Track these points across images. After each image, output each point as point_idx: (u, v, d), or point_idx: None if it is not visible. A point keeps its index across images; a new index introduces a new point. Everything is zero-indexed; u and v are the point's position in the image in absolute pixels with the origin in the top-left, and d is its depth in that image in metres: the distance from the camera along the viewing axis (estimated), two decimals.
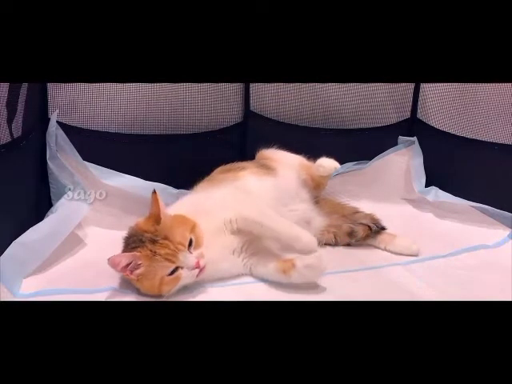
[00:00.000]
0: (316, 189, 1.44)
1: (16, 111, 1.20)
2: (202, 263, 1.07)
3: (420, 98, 1.79)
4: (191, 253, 1.07)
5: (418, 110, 1.80)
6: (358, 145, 1.76)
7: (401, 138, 1.76)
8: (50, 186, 1.40)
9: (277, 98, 1.69)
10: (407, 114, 1.81)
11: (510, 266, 1.27)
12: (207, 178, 1.39)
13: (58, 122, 1.39)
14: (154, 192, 1.10)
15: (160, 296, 1.06)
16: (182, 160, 1.57)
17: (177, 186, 1.48)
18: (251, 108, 1.66)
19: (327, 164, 1.40)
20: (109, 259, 1.03)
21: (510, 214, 1.49)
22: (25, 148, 1.25)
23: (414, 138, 1.75)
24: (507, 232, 1.46)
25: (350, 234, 1.37)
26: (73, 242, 1.29)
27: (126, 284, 1.12)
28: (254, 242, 1.19)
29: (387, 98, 1.78)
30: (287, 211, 1.32)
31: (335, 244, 1.36)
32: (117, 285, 1.13)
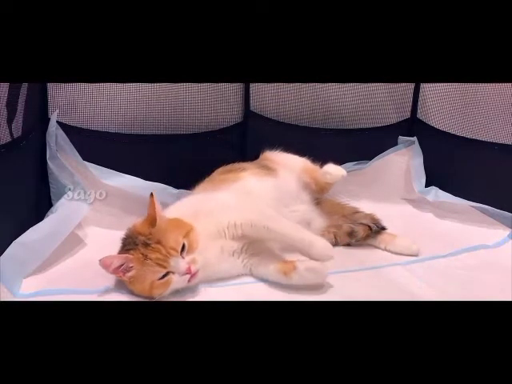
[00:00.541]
0: (319, 192, 1.44)
1: (16, 111, 1.20)
2: (193, 269, 1.06)
3: (420, 98, 1.79)
4: (183, 258, 1.06)
5: (418, 110, 1.80)
6: (358, 145, 1.76)
7: (401, 138, 1.76)
8: (50, 186, 1.40)
9: (277, 98, 1.69)
10: (407, 114, 1.81)
11: (509, 266, 1.27)
12: (208, 179, 1.39)
13: (58, 121, 1.39)
14: (152, 194, 1.10)
15: (152, 298, 1.06)
16: (182, 160, 1.57)
17: (177, 186, 1.48)
18: (251, 108, 1.66)
19: (334, 171, 1.39)
20: (100, 260, 1.03)
21: (509, 214, 1.49)
22: (25, 148, 1.25)
23: (414, 138, 1.75)
24: (507, 232, 1.46)
25: (350, 234, 1.37)
26: (73, 242, 1.29)
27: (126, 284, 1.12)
28: (254, 243, 1.18)
29: (387, 98, 1.78)
30: (288, 212, 1.33)
31: (335, 244, 1.36)
32: (117, 285, 1.13)
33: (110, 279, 1.14)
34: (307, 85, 1.69)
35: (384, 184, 1.72)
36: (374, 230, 1.37)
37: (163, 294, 1.06)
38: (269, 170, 1.40)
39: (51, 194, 1.40)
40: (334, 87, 1.71)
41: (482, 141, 1.62)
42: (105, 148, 1.49)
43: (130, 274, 1.05)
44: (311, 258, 1.13)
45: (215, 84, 1.60)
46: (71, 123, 1.46)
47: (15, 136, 1.20)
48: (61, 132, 1.38)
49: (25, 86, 1.24)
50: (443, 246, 1.39)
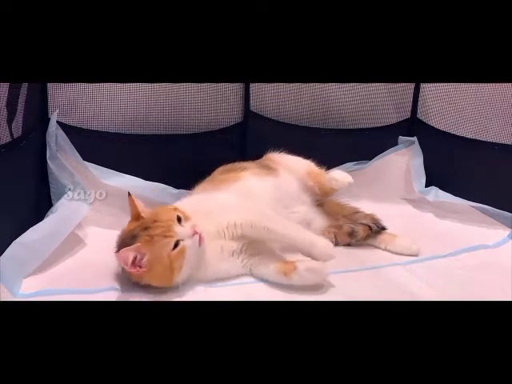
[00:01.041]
0: (322, 196, 1.43)
1: (16, 111, 1.20)
2: (198, 229, 1.09)
3: (420, 98, 1.79)
4: (184, 226, 1.09)
5: (418, 110, 1.80)
6: (358, 145, 1.76)
7: (401, 137, 1.76)
8: (50, 186, 1.40)
9: (277, 98, 1.69)
10: (407, 114, 1.81)
11: (510, 266, 1.27)
12: (208, 179, 1.39)
13: (58, 121, 1.39)
14: (129, 195, 1.13)
15: (174, 279, 1.07)
16: (182, 160, 1.57)
17: (177, 186, 1.48)
18: (251, 108, 1.66)
19: (341, 178, 1.38)
20: (117, 256, 1.04)
21: (510, 214, 1.49)
22: (25, 148, 1.25)
23: (414, 138, 1.75)
24: (507, 232, 1.46)
25: (351, 234, 1.37)
26: (73, 242, 1.29)
27: (126, 284, 1.12)
28: (253, 243, 1.18)
29: (387, 98, 1.78)
30: (288, 213, 1.33)
31: (335, 244, 1.35)
32: (117, 285, 1.13)
33: (110, 279, 1.15)
34: (307, 85, 1.69)
35: (384, 184, 1.72)
36: (374, 230, 1.37)
37: (183, 266, 1.06)
38: (269, 169, 1.40)
39: (51, 194, 1.40)
40: (333, 87, 1.71)
41: (482, 141, 1.62)
42: (105, 148, 1.49)
43: (145, 260, 1.04)
44: (313, 257, 1.13)
45: (215, 84, 1.60)
46: (71, 123, 1.46)
47: (15, 136, 1.20)
48: (61, 132, 1.38)
49: (25, 86, 1.24)
50: (443, 246, 1.39)
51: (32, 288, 1.09)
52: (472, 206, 1.57)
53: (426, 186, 1.69)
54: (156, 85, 1.53)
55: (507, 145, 1.56)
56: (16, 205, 1.23)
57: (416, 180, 1.70)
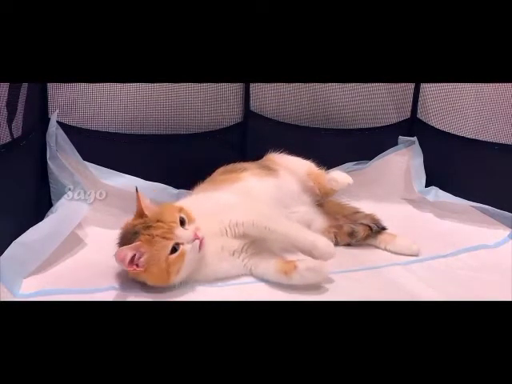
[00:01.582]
0: (323, 197, 1.43)
1: (16, 111, 1.20)
2: (199, 234, 1.08)
3: (420, 98, 1.79)
4: (186, 229, 1.09)
5: (418, 110, 1.80)
6: (358, 145, 1.76)
7: (401, 137, 1.76)
8: (50, 186, 1.40)
9: (277, 98, 1.69)
10: (407, 114, 1.81)
11: (510, 265, 1.27)
12: (208, 179, 1.39)
13: (58, 121, 1.39)
14: (136, 189, 1.13)
15: (170, 281, 1.07)
16: (182, 160, 1.57)
17: (177, 186, 1.48)
18: (251, 108, 1.66)
19: (341, 179, 1.38)
20: (115, 255, 1.03)
21: (510, 213, 1.49)
22: (25, 148, 1.25)
23: (414, 138, 1.75)
24: (507, 232, 1.46)
25: (351, 234, 1.37)
26: (73, 242, 1.29)
27: (126, 284, 1.12)
28: (254, 243, 1.18)
29: (387, 99, 1.78)
30: (289, 213, 1.33)
31: (336, 244, 1.35)
32: (117, 284, 1.13)
33: (110, 279, 1.15)
34: (307, 85, 1.69)
35: (384, 184, 1.72)
36: (375, 230, 1.37)
37: (181, 270, 1.06)
38: (270, 170, 1.40)
39: (51, 194, 1.40)
40: (334, 87, 1.71)
41: (482, 141, 1.62)
42: (105, 148, 1.49)
43: (143, 260, 1.05)
44: (313, 257, 1.13)
45: (215, 84, 1.59)
46: (71, 123, 1.46)
47: (15, 136, 1.20)
48: (61, 132, 1.38)
49: (25, 86, 1.24)
50: (443, 245, 1.39)
51: (32, 288, 1.09)
52: (472, 206, 1.57)
53: (426, 186, 1.69)
54: (156, 85, 1.52)
55: (507, 145, 1.56)
56: (16, 205, 1.23)
57: (416, 180, 1.70)
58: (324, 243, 1.14)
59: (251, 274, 1.18)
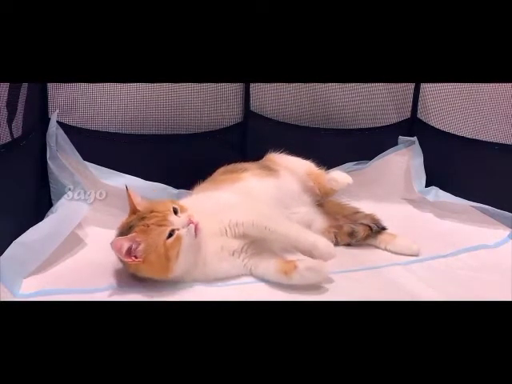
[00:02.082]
0: (323, 197, 1.44)
1: (16, 111, 1.20)
2: (194, 219, 1.09)
3: (420, 98, 1.79)
4: (179, 217, 1.10)
5: (418, 110, 1.80)
6: (358, 145, 1.76)
7: (401, 137, 1.76)
8: (50, 185, 1.40)
9: (277, 98, 1.69)
10: (407, 114, 1.81)
11: (510, 265, 1.27)
12: (208, 179, 1.39)
13: (58, 121, 1.39)
14: (127, 188, 1.15)
15: (171, 269, 1.07)
16: (182, 160, 1.57)
17: (177, 186, 1.49)
18: (251, 108, 1.66)
19: (341, 179, 1.38)
20: (111, 243, 1.04)
21: (510, 213, 1.49)
22: (25, 148, 1.25)
23: (414, 138, 1.75)
24: (507, 232, 1.46)
25: (351, 234, 1.37)
26: (73, 242, 1.29)
27: (126, 283, 1.12)
28: (254, 243, 1.18)
29: (387, 98, 1.78)
30: (289, 213, 1.33)
31: (336, 244, 1.35)
32: (117, 284, 1.13)
33: (110, 279, 1.15)
34: (307, 85, 1.69)
35: (384, 184, 1.72)
36: (375, 230, 1.37)
37: (180, 255, 1.07)
38: (270, 170, 1.40)
39: (51, 194, 1.40)
40: (334, 87, 1.71)
41: (482, 141, 1.62)
42: (105, 148, 1.49)
43: (140, 249, 1.05)
44: (314, 257, 1.13)
45: (215, 84, 1.60)
46: (71, 123, 1.46)
47: (15, 136, 1.20)
48: (61, 132, 1.38)
49: (25, 86, 1.24)
50: (443, 245, 1.39)
51: (32, 288, 1.09)
52: (472, 206, 1.57)
53: (426, 186, 1.69)
54: (156, 85, 1.52)
55: (507, 145, 1.56)
56: (16, 205, 1.23)
57: (416, 180, 1.70)
58: (324, 244, 1.15)
59: (251, 274, 1.18)
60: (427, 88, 1.77)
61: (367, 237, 1.37)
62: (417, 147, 1.74)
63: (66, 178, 1.36)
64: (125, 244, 1.04)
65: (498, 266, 1.28)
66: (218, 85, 1.60)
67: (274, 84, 1.66)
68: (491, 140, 1.59)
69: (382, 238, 1.37)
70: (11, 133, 1.18)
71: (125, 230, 1.09)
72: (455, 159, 1.69)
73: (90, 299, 1.05)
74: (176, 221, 1.08)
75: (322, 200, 1.44)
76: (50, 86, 1.43)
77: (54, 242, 1.20)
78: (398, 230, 1.40)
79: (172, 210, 1.10)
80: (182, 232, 1.07)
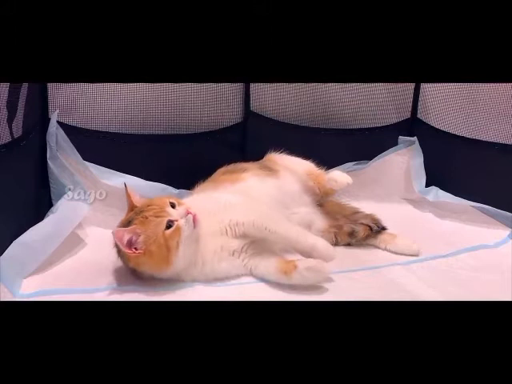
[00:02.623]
0: (323, 196, 1.44)
1: (16, 111, 1.20)
2: (192, 211, 1.10)
3: (420, 98, 1.79)
4: (177, 209, 1.11)
5: (418, 110, 1.80)
6: (358, 145, 1.76)
7: (401, 137, 1.76)
8: (50, 185, 1.40)
9: (277, 98, 1.69)
10: (407, 114, 1.81)
11: (510, 265, 1.27)
12: (209, 179, 1.39)
13: (58, 121, 1.39)
14: (125, 186, 1.16)
15: (172, 260, 1.07)
16: (182, 160, 1.57)
17: (177, 186, 1.48)
18: (251, 108, 1.66)
19: (340, 179, 1.38)
20: (113, 232, 1.05)
21: (510, 214, 1.49)
22: (25, 148, 1.25)
23: (414, 138, 1.75)
24: (507, 232, 1.46)
25: (351, 234, 1.37)
26: (73, 242, 1.29)
27: (126, 283, 1.13)
28: (254, 243, 1.18)
29: (387, 99, 1.78)
30: (289, 214, 1.33)
31: (336, 244, 1.36)
32: (116, 284, 1.13)
33: (110, 278, 1.15)
34: (307, 85, 1.69)
35: (384, 184, 1.73)
36: (375, 230, 1.37)
37: (180, 244, 1.07)
38: (271, 171, 1.40)
39: (51, 194, 1.40)
40: (334, 87, 1.71)
41: (482, 141, 1.62)
42: (105, 148, 1.49)
43: (140, 241, 1.06)
44: (315, 258, 1.13)
45: (215, 84, 1.60)
46: (71, 123, 1.46)
47: (15, 136, 1.20)
48: (61, 132, 1.38)
49: (25, 86, 1.24)
50: (443, 245, 1.39)
51: (32, 288, 1.09)
52: (472, 206, 1.57)
53: (426, 186, 1.69)
54: (156, 85, 1.53)
55: (507, 145, 1.56)
56: (16, 205, 1.23)
57: (416, 180, 1.70)
58: (324, 246, 1.15)
59: (251, 274, 1.18)
60: (427, 88, 1.77)
61: (367, 237, 1.37)
62: (417, 147, 1.74)
63: (66, 178, 1.36)
64: (125, 235, 1.05)
65: (498, 266, 1.28)
66: (217, 85, 1.60)
67: (274, 84, 1.66)
68: (491, 140, 1.59)
69: (382, 238, 1.37)
70: (11, 133, 1.18)
71: (125, 224, 1.10)
72: (455, 159, 1.69)
73: (90, 299, 1.06)
74: (174, 212, 1.09)
75: (322, 200, 1.44)
76: (50, 85, 1.43)
77: (54, 241, 1.21)
78: (398, 230, 1.40)
79: (169, 203, 1.11)
80: (181, 222, 1.08)
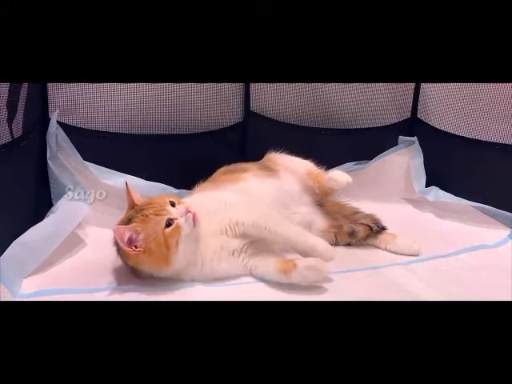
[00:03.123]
0: (323, 196, 1.44)
1: (16, 111, 1.20)
2: (191, 209, 1.10)
3: (420, 98, 1.79)
4: (177, 208, 1.11)
5: (418, 110, 1.80)
6: (358, 145, 1.76)
7: (401, 137, 1.76)
8: (50, 185, 1.40)
9: (277, 99, 1.69)
10: (407, 114, 1.81)
11: (510, 265, 1.27)
12: (209, 179, 1.39)
13: (58, 121, 1.39)
14: (126, 184, 1.16)
15: (171, 258, 1.07)
16: (182, 160, 1.57)
17: (177, 186, 1.48)
18: (251, 108, 1.66)
19: (340, 178, 1.38)
20: (113, 230, 1.06)
21: (510, 214, 1.49)
22: (25, 148, 1.25)
23: (414, 138, 1.75)
24: (507, 232, 1.46)
25: (351, 234, 1.37)
26: (73, 242, 1.29)
27: (126, 283, 1.13)
28: (254, 243, 1.18)
29: (387, 98, 1.78)
30: (289, 214, 1.33)
31: (336, 244, 1.36)
32: (116, 284, 1.13)
33: (110, 278, 1.15)
34: (307, 85, 1.69)
35: (384, 184, 1.73)
36: (375, 229, 1.37)
37: (179, 243, 1.07)
38: (271, 171, 1.40)
39: (51, 194, 1.40)
40: (334, 87, 1.71)
41: (482, 141, 1.62)
42: (105, 148, 1.49)
43: (140, 239, 1.06)
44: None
45: (215, 84, 1.60)
46: (71, 123, 1.46)
47: (15, 136, 1.20)
48: (61, 132, 1.38)
49: (25, 86, 1.24)
50: (443, 245, 1.39)
51: (32, 288, 1.09)
52: (472, 206, 1.57)
53: (426, 186, 1.69)
54: (156, 85, 1.52)
55: (507, 145, 1.56)
56: (16, 205, 1.23)
57: (416, 180, 1.70)
58: (324, 246, 1.15)
59: (251, 274, 1.18)
60: (427, 88, 1.77)
61: (367, 237, 1.37)
62: (417, 147, 1.74)
63: (66, 178, 1.36)
64: (126, 233, 1.05)
65: (498, 266, 1.28)
66: (217, 85, 1.60)
67: (274, 84, 1.66)
68: (491, 140, 1.59)
69: (382, 238, 1.37)
70: (11, 133, 1.18)
71: (125, 221, 1.10)
72: (455, 159, 1.69)
73: (90, 299, 1.06)
74: (173, 211, 1.09)
75: (322, 200, 1.44)
76: (50, 85, 1.43)
77: (53, 241, 1.21)
78: (398, 230, 1.40)
79: (169, 202, 1.11)
80: (181, 221, 1.08)
